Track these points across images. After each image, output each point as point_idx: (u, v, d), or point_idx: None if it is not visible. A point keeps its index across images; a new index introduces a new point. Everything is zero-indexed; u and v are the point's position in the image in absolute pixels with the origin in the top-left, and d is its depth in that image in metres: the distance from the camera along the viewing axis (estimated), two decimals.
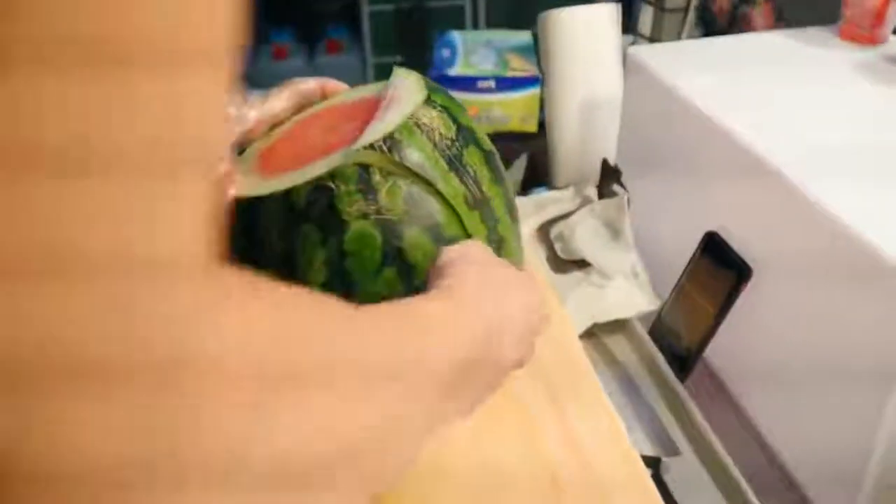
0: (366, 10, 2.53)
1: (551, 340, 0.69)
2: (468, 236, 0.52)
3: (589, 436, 0.61)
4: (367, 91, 0.62)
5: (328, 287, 0.50)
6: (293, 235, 0.51)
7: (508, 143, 1.07)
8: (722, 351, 0.77)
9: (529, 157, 1.09)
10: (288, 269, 0.51)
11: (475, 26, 2.30)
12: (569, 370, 0.68)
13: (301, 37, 2.75)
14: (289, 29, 2.75)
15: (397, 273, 0.50)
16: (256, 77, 2.70)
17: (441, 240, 0.51)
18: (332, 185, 0.50)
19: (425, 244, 0.50)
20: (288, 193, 0.51)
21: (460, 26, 2.05)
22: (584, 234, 0.85)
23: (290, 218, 0.51)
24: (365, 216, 0.49)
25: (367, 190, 0.50)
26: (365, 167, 0.50)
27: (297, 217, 0.51)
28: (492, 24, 1.20)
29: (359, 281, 0.50)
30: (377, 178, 0.50)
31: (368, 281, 0.50)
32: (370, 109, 0.58)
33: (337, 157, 0.52)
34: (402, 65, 0.63)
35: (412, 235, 0.50)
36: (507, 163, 1.05)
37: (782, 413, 0.71)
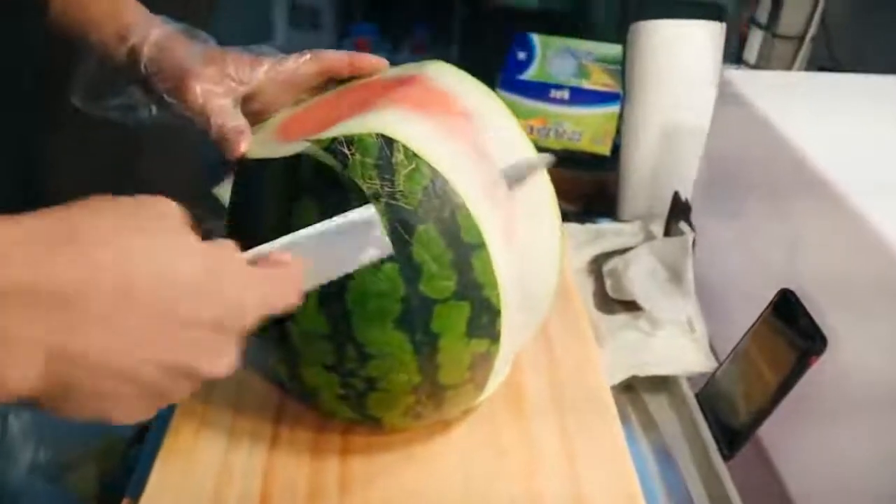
0: (459, 13, 2.54)
1: (576, 382, 0.65)
2: (484, 248, 0.48)
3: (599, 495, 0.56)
4: (405, 70, 0.60)
5: None
6: (291, 207, 0.48)
7: (576, 166, 1.03)
8: (779, 431, 0.71)
9: (598, 184, 1.05)
10: None
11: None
12: (593, 422, 0.63)
13: (386, 33, 2.80)
14: (373, 25, 2.81)
15: (399, 271, 0.47)
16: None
17: (457, 245, 0.47)
18: (347, 152, 0.47)
19: (437, 246, 0.47)
20: (295, 158, 0.49)
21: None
22: (639, 273, 0.80)
23: (292, 186, 0.48)
24: (376, 197, 0.46)
25: (386, 167, 0.46)
26: (389, 141, 0.47)
27: (300, 186, 0.48)
28: (599, 37, 1.16)
29: (355, 272, 0.47)
30: (400, 157, 0.47)
31: (366, 273, 0.47)
32: (406, 87, 0.56)
33: (359, 121, 0.49)
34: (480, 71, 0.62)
35: (424, 232, 0.47)
36: (568, 193, 1.00)
37: None
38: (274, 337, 0.51)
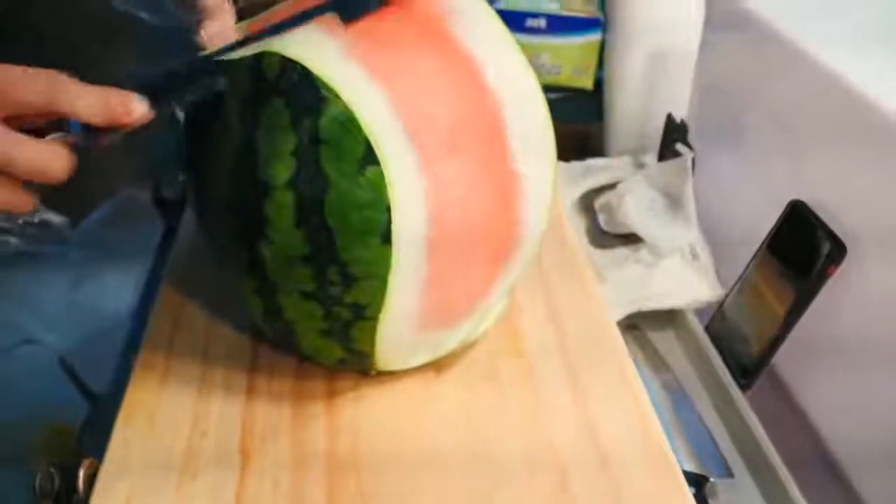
0: None
1: (581, 326, 0.63)
2: None
3: (612, 426, 0.54)
4: None
5: (294, 186, 0.44)
6: (257, 112, 0.45)
7: (555, 103, 1.00)
8: (797, 361, 0.70)
9: (581, 124, 1.02)
10: (248, 158, 0.46)
11: None
12: (597, 353, 0.61)
13: None
14: None
15: (384, 176, 0.44)
16: None
17: None
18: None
19: None
20: (259, 58, 0.46)
21: None
22: (636, 204, 0.79)
23: (257, 89, 0.46)
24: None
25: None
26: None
27: (266, 88, 0.45)
28: None
29: (334, 180, 0.44)
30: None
31: (345, 181, 0.44)
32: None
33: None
34: None
35: None
36: None
37: (859, 437, 0.63)
38: (244, 263, 0.48)
